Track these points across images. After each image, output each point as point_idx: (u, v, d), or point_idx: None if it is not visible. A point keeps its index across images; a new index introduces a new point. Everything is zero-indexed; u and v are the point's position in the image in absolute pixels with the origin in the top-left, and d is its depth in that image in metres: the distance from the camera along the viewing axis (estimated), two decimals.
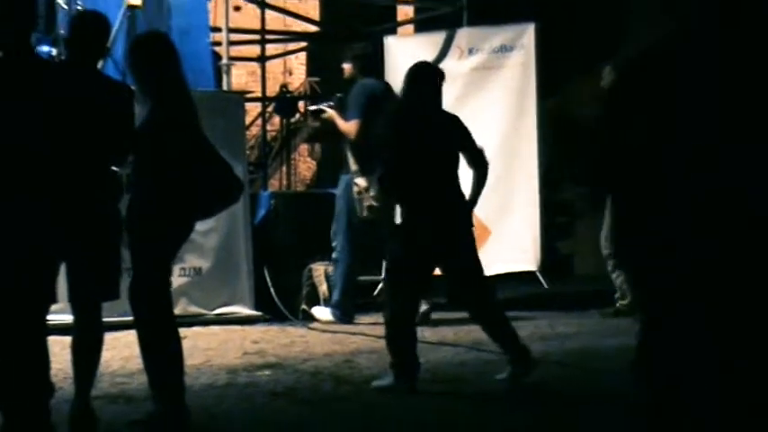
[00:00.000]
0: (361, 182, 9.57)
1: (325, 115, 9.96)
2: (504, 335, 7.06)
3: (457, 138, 7.12)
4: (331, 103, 10.11)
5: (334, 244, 9.84)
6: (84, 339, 5.77)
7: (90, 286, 5.70)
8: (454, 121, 7.20)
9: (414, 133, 6.97)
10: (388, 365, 6.95)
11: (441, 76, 7.15)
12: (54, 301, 5.36)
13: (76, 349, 5.77)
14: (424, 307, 9.50)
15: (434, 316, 9.51)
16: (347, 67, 9.92)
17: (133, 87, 6.00)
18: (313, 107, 10.97)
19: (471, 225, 7.10)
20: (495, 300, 7.48)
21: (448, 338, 8.74)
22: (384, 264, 7.01)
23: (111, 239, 5.72)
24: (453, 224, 7.00)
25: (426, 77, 7.14)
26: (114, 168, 5.85)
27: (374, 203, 9.48)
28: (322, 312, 9.83)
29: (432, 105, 7.08)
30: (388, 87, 9.74)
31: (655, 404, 3.36)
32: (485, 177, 7.15)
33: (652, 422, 3.38)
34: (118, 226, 5.76)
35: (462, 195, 7.08)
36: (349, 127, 9.64)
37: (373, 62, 9.91)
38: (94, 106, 5.60)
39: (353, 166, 9.66)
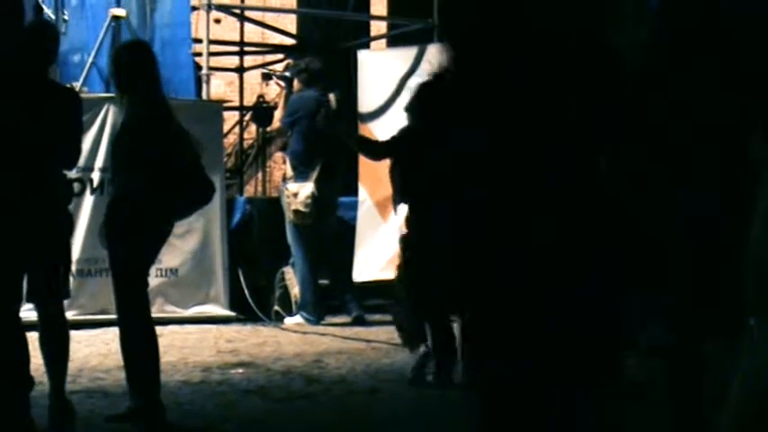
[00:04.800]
0: (291, 187, 9.58)
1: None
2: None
3: None
4: (286, 74, 10.36)
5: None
6: (50, 333, 5.71)
7: (44, 285, 5.62)
8: None
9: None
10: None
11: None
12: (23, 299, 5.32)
13: (44, 344, 5.71)
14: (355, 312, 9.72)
15: None
16: (295, 81, 10.01)
17: (83, 93, 5.96)
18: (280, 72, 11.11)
19: None
20: None
21: None
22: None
23: (60, 240, 5.66)
24: None
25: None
26: (64, 171, 5.77)
27: (300, 209, 9.49)
28: (291, 320, 9.77)
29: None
30: (321, 101, 9.76)
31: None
32: None
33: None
34: (67, 227, 5.73)
35: None
36: (275, 123, 10.58)
37: (315, 75, 9.92)
38: (42, 111, 5.47)
39: (289, 172, 9.75)
